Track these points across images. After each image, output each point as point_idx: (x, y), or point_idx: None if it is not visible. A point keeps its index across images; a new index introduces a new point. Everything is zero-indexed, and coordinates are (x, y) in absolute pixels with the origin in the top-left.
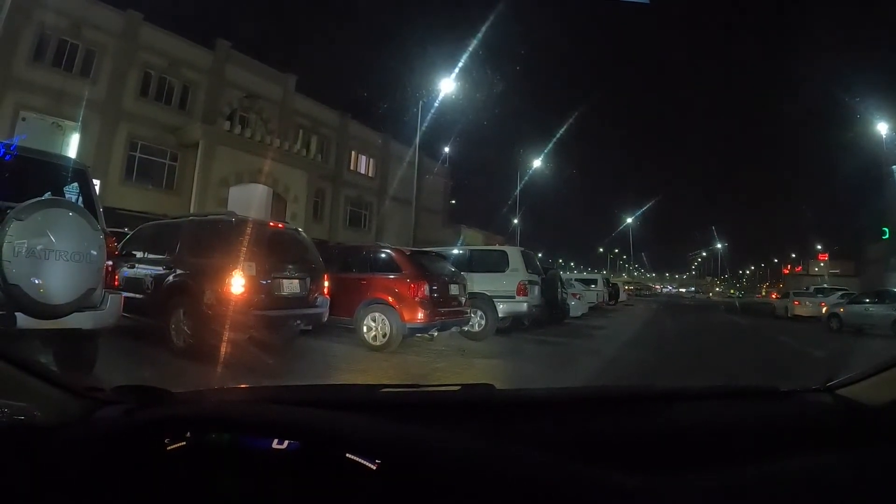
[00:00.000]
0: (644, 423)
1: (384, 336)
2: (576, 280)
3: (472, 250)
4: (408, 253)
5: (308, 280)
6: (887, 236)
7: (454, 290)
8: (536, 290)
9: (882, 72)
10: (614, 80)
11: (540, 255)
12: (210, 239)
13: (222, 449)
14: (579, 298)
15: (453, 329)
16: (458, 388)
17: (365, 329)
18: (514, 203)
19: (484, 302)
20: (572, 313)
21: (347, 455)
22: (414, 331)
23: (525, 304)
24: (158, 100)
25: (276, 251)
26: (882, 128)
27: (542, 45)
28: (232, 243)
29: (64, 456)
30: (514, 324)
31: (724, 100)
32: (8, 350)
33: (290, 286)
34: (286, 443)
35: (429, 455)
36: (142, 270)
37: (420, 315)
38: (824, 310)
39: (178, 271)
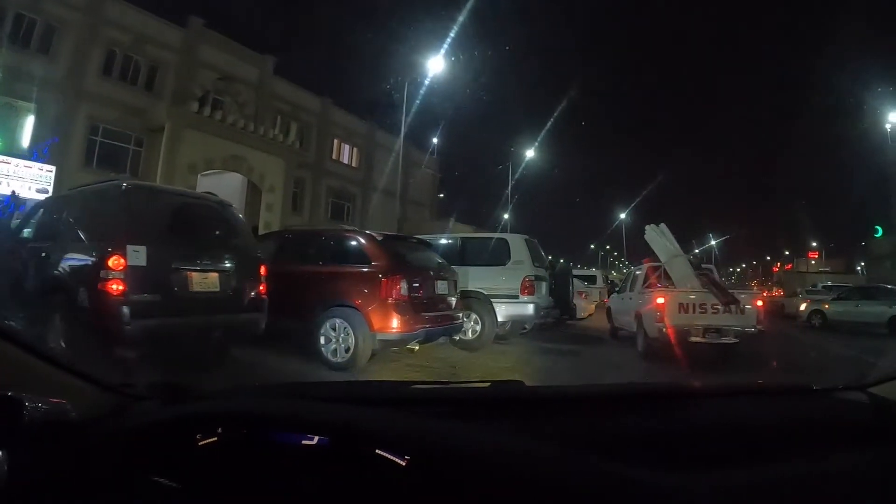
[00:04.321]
0: (676, 421)
1: (347, 350)
2: (574, 277)
3: (464, 238)
4: (380, 238)
5: (233, 273)
6: (880, 234)
7: (442, 287)
8: (544, 287)
9: (879, 69)
10: (606, 74)
11: None
12: (93, 215)
13: (253, 445)
14: (585, 298)
15: (440, 340)
16: (488, 384)
17: (322, 340)
18: (505, 198)
19: (480, 303)
20: (578, 314)
21: (377, 451)
22: (388, 343)
23: (531, 305)
24: (123, 80)
25: (185, 231)
26: (873, 125)
27: (533, 30)
28: (117, 219)
29: (98, 450)
30: (514, 329)
31: (719, 98)
32: (42, 347)
33: (205, 281)
34: (316, 439)
35: (458, 452)
36: (25, 261)
37: (395, 322)
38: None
39: (55, 261)
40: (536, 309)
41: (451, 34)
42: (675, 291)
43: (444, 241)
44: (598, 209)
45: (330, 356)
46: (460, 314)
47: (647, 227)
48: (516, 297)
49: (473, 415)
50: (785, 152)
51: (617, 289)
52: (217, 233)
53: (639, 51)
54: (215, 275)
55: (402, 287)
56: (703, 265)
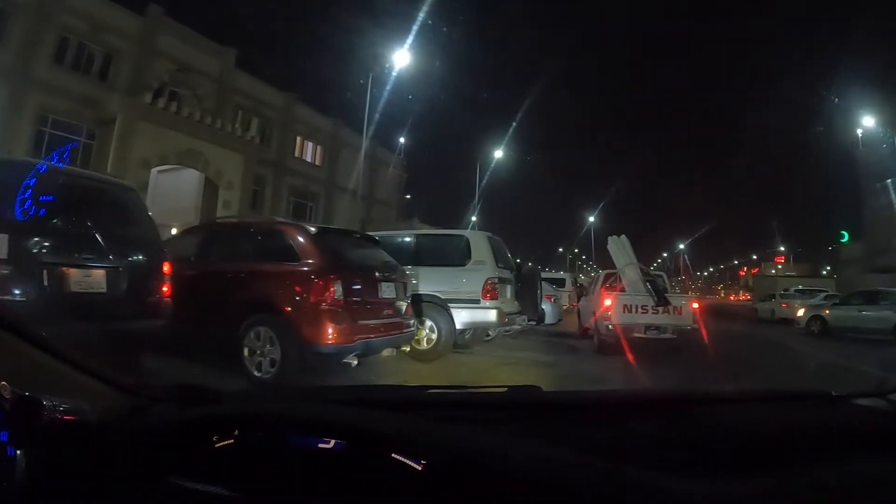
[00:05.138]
0: (695, 427)
1: (273, 364)
2: (543, 280)
3: (419, 236)
4: (313, 232)
5: (126, 271)
6: (846, 239)
7: (388, 290)
8: (509, 291)
9: (848, 76)
10: (576, 77)
11: None
12: None
13: (270, 447)
14: (554, 302)
15: (386, 353)
16: (506, 389)
17: (246, 352)
18: (472, 199)
19: (435, 309)
20: (547, 320)
21: (393, 455)
22: (322, 357)
23: (494, 311)
24: (76, 69)
25: (65, 218)
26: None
27: (503, 29)
28: None
29: (115, 452)
30: (477, 336)
31: (690, 104)
32: (61, 347)
33: (87, 280)
34: (332, 442)
35: (474, 457)
36: None
37: (329, 332)
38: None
39: None
40: (500, 315)
41: (417, 31)
42: (618, 293)
43: (396, 238)
44: (567, 212)
45: (254, 370)
46: (412, 321)
47: (609, 238)
48: (477, 301)
49: (490, 420)
50: (754, 159)
51: (586, 293)
52: (109, 222)
53: (608, 53)
54: (101, 272)
55: (337, 290)
56: (654, 272)
